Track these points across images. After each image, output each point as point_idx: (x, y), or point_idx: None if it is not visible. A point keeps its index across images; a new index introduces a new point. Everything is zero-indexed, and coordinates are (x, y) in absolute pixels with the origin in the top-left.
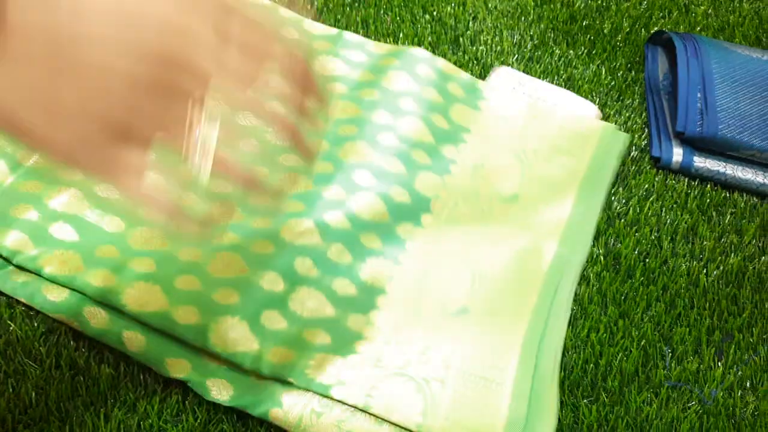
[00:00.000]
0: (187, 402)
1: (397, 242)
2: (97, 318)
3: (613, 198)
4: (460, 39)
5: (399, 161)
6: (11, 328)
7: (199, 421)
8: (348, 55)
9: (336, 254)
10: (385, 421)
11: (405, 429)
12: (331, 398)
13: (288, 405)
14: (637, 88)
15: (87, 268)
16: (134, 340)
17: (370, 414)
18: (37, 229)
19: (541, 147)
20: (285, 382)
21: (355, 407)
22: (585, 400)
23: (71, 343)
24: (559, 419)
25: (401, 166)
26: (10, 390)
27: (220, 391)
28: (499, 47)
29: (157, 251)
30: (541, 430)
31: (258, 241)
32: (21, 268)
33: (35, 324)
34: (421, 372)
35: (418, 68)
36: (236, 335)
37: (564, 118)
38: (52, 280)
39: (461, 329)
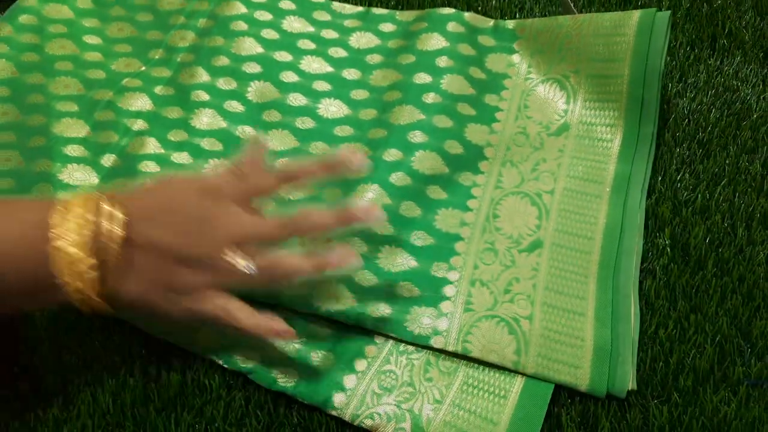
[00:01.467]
0: (250, 407)
1: (461, 190)
2: None
3: (679, 185)
4: None
5: (446, 116)
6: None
7: (262, 424)
8: (379, 27)
9: (407, 210)
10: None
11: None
12: (431, 348)
13: (350, 387)
14: None
15: None
16: (204, 334)
17: (468, 358)
18: None
19: (585, 61)
20: (348, 366)
21: (455, 354)
22: (655, 401)
23: (143, 351)
24: (627, 417)
25: (449, 120)
26: (90, 397)
27: (287, 378)
28: None
29: None
30: (625, 355)
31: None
32: None
33: (113, 337)
34: (510, 311)
35: (448, 26)
36: (336, 295)
37: (603, 21)
38: None
39: (537, 262)
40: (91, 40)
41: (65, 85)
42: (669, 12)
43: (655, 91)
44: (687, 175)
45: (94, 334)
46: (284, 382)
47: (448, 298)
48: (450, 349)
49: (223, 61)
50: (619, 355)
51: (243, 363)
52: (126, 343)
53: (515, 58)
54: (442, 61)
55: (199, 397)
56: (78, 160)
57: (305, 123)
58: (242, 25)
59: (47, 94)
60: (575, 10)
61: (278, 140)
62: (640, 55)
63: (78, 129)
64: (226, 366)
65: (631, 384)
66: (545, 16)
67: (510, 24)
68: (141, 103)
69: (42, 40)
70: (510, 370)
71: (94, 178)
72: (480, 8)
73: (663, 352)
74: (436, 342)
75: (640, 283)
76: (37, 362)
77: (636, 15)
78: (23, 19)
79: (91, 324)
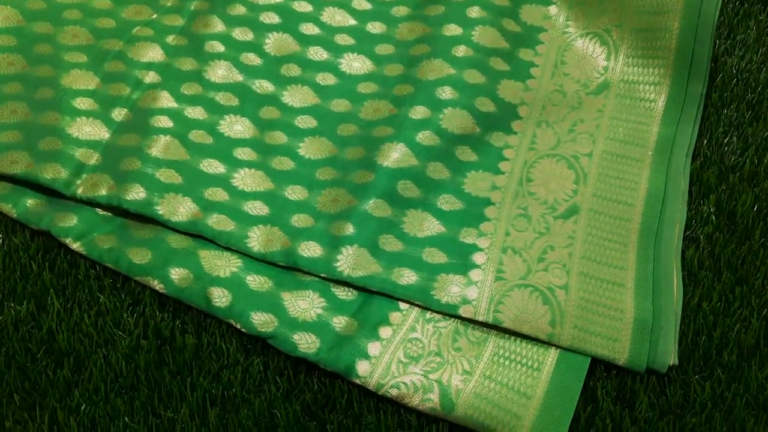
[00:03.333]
0: (269, 372)
1: (492, 151)
2: (181, 277)
3: (726, 149)
4: None
5: (478, 71)
6: (101, 299)
7: (281, 391)
8: None
9: (434, 172)
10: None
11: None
12: (460, 317)
13: (374, 355)
14: None
15: (205, 214)
16: (219, 295)
17: (500, 329)
18: (145, 177)
19: (629, 14)
20: (373, 333)
21: (485, 324)
22: (697, 376)
23: (157, 313)
24: (667, 392)
25: (481, 76)
26: (102, 359)
27: (308, 344)
28: None
29: (266, 192)
30: (668, 328)
31: (357, 171)
32: (140, 214)
33: (122, 295)
34: (544, 280)
35: None
36: (359, 261)
37: None
38: (174, 227)
39: (574, 229)
40: None
41: (74, 35)
42: None
43: (708, 47)
44: (735, 139)
45: (105, 293)
46: (305, 348)
47: (477, 266)
48: (480, 319)
49: (240, 10)
50: (661, 329)
51: (262, 327)
52: (138, 303)
53: (552, 9)
54: (474, 12)
55: (215, 362)
56: (87, 114)
57: (326, 79)
58: None
59: (55, 44)
60: None
61: (298, 97)
62: (692, 7)
63: (87, 81)
64: (244, 330)
65: (672, 359)
66: None
67: None
68: (152, 53)
69: None
70: (545, 342)
71: (104, 133)
72: None
73: (706, 325)
74: (465, 311)
75: (683, 252)
76: (47, 319)
77: None
78: None
79: (101, 282)
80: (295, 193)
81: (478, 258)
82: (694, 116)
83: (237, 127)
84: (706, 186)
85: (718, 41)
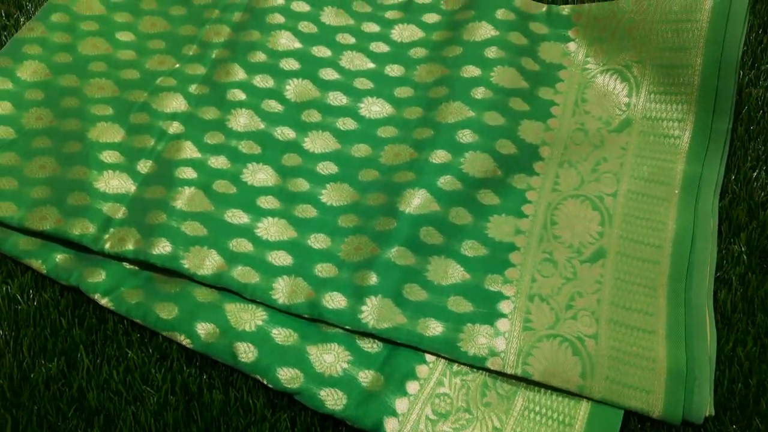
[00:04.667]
0: (296, 429)
1: (515, 194)
2: (207, 332)
3: (755, 184)
4: None
5: (497, 113)
6: (129, 354)
7: None
8: (422, 18)
9: (457, 217)
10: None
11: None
12: (488, 370)
13: (402, 412)
14: None
15: (230, 266)
16: (245, 350)
17: (529, 382)
18: (170, 230)
19: (650, 50)
20: (399, 389)
21: (514, 376)
22: (734, 426)
23: (184, 368)
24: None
25: (501, 117)
26: (131, 417)
27: (335, 401)
28: None
29: (290, 241)
30: (702, 377)
31: (379, 218)
32: (167, 269)
33: (150, 350)
34: (573, 329)
35: (497, 13)
36: (383, 312)
37: (672, 5)
38: (200, 281)
39: (601, 273)
40: (124, 36)
41: (99, 87)
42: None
43: (732, 82)
44: (764, 174)
45: (134, 348)
46: (332, 404)
47: (504, 315)
48: (509, 371)
49: (260, 57)
50: (695, 378)
51: (288, 383)
52: (166, 358)
53: (571, 46)
54: (492, 52)
55: (243, 418)
56: (114, 167)
57: (346, 124)
58: (279, 18)
59: (82, 96)
60: None
61: (319, 143)
62: (714, 44)
63: (113, 133)
64: (270, 386)
65: (708, 409)
66: None
67: (565, 9)
68: (176, 103)
69: (74, 39)
70: (575, 394)
71: (131, 186)
72: None
73: (742, 372)
74: (494, 364)
75: (715, 294)
76: (77, 377)
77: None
78: (55, 17)
79: (129, 337)
80: (318, 241)
81: (504, 307)
82: (721, 152)
83: (260, 175)
84: (736, 224)
85: (742, 72)
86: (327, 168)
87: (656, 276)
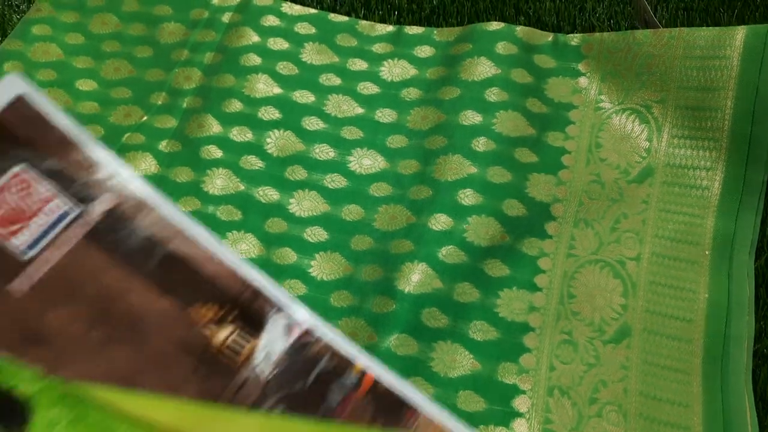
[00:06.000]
0: None
1: (526, 263)
2: None
3: None
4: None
5: (502, 168)
6: None
7: None
8: (414, 52)
9: (462, 294)
10: None
11: None
12: None
13: None
14: None
15: None
16: None
17: None
18: None
19: (672, 89)
20: None
21: None
22: None
23: None
24: None
25: (506, 173)
26: None
27: None
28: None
29: None
30: None
31: (375, 297)
32: None
33: None
34: (598, 430)
35: (497, 47)
36: None
37: (697, 38)
38: None
39: (627, 356)
40: (85, 85)
41: None
42: None
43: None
44: None
45: None
46: None
47: (521, 415)
48: None
49: (236, 105)
50: None
51: None
52: None
53: (582, 81)
54: (493, 95)
55: None
56: None
57: (335, 181)
58: (255, 59)
59: None
60: (651, 13)
61: (306, 204)
62: (747, 84)
63: None
64: None
65: None
66: (612, 16)
67: (574, 39)
68: (145, 165)
69: None
70: None
71: None
72: (532, 12)
73: None
74: None
75: (753, 372)
76: None
77: (740, 33)
78: (7, 66)
79: None
80: None
81: (520, 404)
82: (756, 205)
83: (242, 245)
84: None
85: None
86: (316, 234)
87: (689, 357)
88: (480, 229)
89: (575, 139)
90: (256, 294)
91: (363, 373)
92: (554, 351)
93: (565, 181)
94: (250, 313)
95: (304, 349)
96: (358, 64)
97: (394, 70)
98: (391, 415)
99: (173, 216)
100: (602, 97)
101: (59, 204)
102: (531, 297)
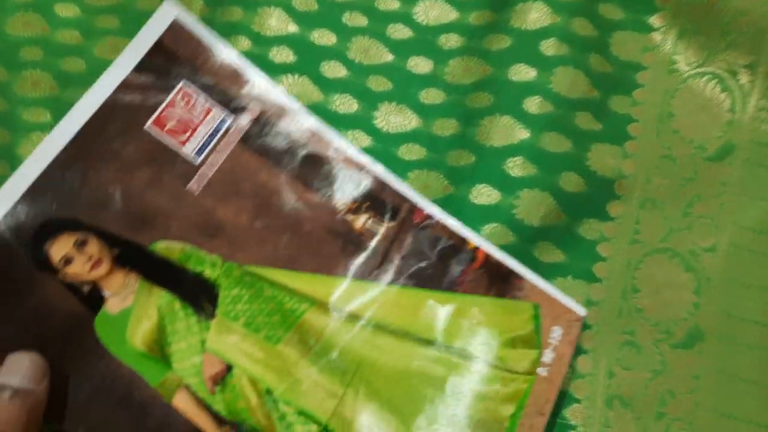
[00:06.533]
0: None
1: (583, 248)
2: None
3: None
4: None
5: (560, 135)
6: None
7: None
8: None
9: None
10: None
11: None
12: None
13: None
14: None
15: None
16: None
17: None
18: None
19: (765, 53)
20: None
21: None
22: None
23: None
24: None
25: (565, 140)
26: None
27: None
28: None
29: None
30: None
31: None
32: None
33: None
34: None
35: None
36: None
37: None
38: None
39: (699, 365)
40: (66, 11)
41: (33, 82)
42: None
43: None
44: None
45: None
46: None
47: (573, 428)
48: None
49: (243, 43)
50: None
51: None
52: None
53: (654, 37)
54: (550, 46)
55: None
56: None
57: (357, 139)
58: None
59: (11, 96)
60: None
61: None
62: None
63: None
64: None
65: None
66: None
67: None
68: None
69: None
70: None
71: None
72: None
73: None
74: None
75: None
76: None
77: None
78: None
79: None
80: None
81: (574, 415)
82: None
83: None
84: None
85: None
86: None
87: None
88: (532, 206)
89: (643, 106)
90: (383, 185)
91: (476, 249)
92: (615, 354)
93: (631, 153)
94: (379, 202)
95: (426, 231)
96: (389, 3)
97: (431, 12)
98: (503, 283)
99: (308, 120)
100: (678, 57)
101: (217, 114)
102: (588, 289)
